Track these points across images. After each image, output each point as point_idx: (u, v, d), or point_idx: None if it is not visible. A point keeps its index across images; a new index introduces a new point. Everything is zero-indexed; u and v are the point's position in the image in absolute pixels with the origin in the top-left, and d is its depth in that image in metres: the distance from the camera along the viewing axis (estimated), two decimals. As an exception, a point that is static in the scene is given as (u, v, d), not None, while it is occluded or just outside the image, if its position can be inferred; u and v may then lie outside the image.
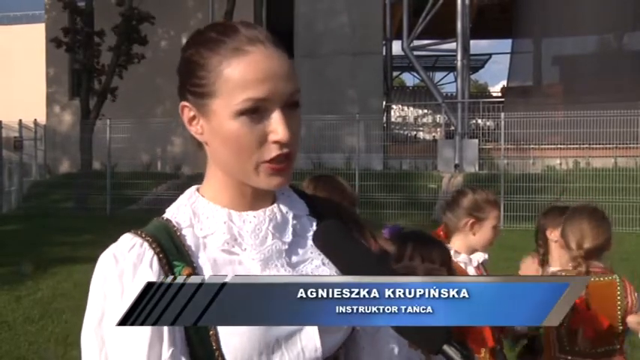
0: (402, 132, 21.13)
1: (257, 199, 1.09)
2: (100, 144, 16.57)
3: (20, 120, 18.58)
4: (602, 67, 18.20)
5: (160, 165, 19.22)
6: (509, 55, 23.99)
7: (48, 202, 16.62)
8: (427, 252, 1.67)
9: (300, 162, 16.89)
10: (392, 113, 21.75)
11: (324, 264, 1.08)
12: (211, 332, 0.97)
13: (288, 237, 1.09)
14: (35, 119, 20.25)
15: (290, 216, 1.11)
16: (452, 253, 2.38)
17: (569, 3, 18.01)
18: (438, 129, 20.76)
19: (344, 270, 1.00)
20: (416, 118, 22.98)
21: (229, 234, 1.05)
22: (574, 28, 18.83)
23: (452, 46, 19.08)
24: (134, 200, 15.69)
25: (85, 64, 16.76)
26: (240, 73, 0.99)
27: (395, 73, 27.88)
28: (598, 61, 18.67)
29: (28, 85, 25.40)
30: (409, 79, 52.63)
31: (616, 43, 19.83)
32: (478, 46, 64.56)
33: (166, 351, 0.95)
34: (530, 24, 20.20)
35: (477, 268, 2.54)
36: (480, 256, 2.55)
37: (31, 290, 7.29)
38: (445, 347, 0.87)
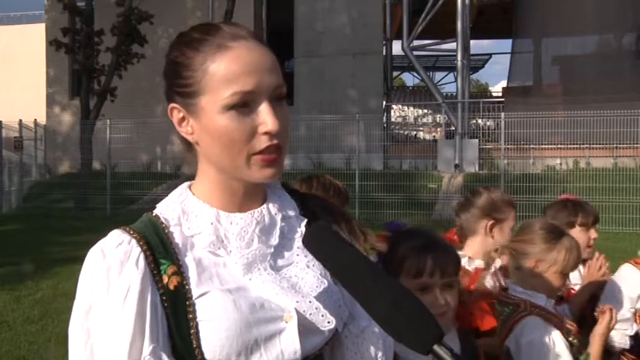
0: (402, 132, 21.12)
1: (248, 198, 1.10)
2: (100, 144, 16.57)
3: (20, 120, 18.57)
4: (602, 67, 18.19)
5: (160, 165, 19.22)
6: (509, 55, 23.99)
7: (48, 202, 16.61)
8: (445, 265, 1.59)
9: (300, 162, 16.88)
10: (392, 113, 21.74)
11: (308, 267, 1.09)
12: (192, 330, 0.99)
13: (275, 240, 1.09)
14: (35, 119, 20.26)
15: (279, 218, 1.12)
16: (465, 260, 2.27)
17: (569, 3, 18.00)
18: (438, 129, 20.75)
19: (336, 274, 1.00)
20: (416, 118, 22.96)
21: (215, 235, 1.06)
22: (574, 28, 18.83)
23: (452, 46, 19.07)
24: (134, 200, 15.67)
25: (85, 65, 16.75)
26: (226, 67, 1.00)
27: (395, 73, 27.87)
28: (598, 61, 18.66)
29: (28, 85, 25.41)
30: (409, 79, 52.71)
31: (616, 43, 19.81)
32: (478, 46, 64.66)
33: (147, 347, 0.97)
34: (530, 24, 20.19)
35: (494, 274, 2.35)
36: (497, 262, 2.38)
37: (31, 290, 7.28)
38: (435, 347, 0.87)
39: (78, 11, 17.22)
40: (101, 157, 16.96)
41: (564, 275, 2.07)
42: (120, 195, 15.99)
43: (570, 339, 1.99)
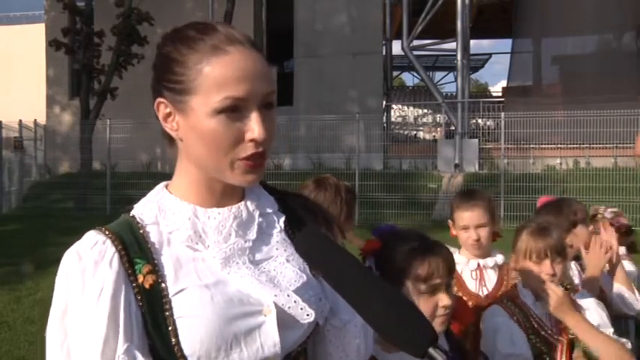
0: (402, 132, 21.12)
1: (225, 196, 1.10)
2: (100, 144, 16.57)
3: (20, 120, 18.56)
4: (602, 67, 18.18)
5: (160, 165, 19.21)
6: (509, 55, 24.00)
7: (48, 202, 16.60)
8: (451, 264, 1.61)
9: (300, 162, 16.90)
10: (392, 113, 21.74)
11: (288, 261, 1.10)
12: (170, 327, 0.99)
13: (253, 234, 1.10)
14: (35, 119, 20.23)
15: (256, 214, 1.12)
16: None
17: (569, 3, 17.99)
18: (438, 129, 20.75)
19: (329, 279, 1.00)
20: (416, 118, 22.97)
21: (193, 230, 1.07)
22: (574, 28, 18.82)
23: (452, 46, 19.07)
24: (134, 200, 15.58)
25: (85, 65, 16.75)
26: (220, 71, 1.01)
27: (395, 73, 27.87)
28: (598, 61, 18.65)
29: (28, 85, 25.39)
30: (409, 79, 52.70)
31: (616, 43, 19.80)
32: (478, 46, 64.67)
33: (121, 346, 0.97)
34: (530, 24, 20.18)
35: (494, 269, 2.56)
36: (499, 259, 2.56)
37: (31, 290, 7.29)
38: (430, 350, 0.87)
39: (78, 11, 17.22)
40: (101, 157, 16.96)
41: (538, 262, 2.10)
42: (120, 195, 15.97)
43: (532, 337, 2.05)
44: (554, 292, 2.01)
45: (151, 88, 1.10)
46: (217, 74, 1.01)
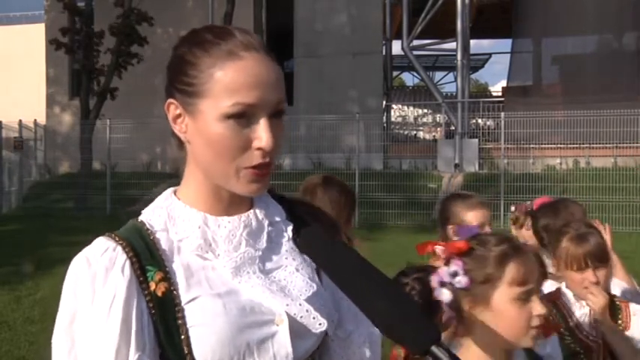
0: (402, 132, 21.12)
1: (234, 203, 1.09)
2: (100, 144, 16.58)
3: (20, 120, 18.58)
4: (602, 67, 18.19)
5: (160, 165, 19.22)
6: (509, 55, 24.00)
7: (48, 202, 16.61)
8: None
9: (300, 162, 16.90)
10: (392, 113, 21.75)
11: (297, 270, 1.09)
12: (183, 336, 0.97)
13: (262, 243, 1.09)
14: (35, 119, 20.25)
15: (266, 223, 1.11)
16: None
17: (569, 3, 18.00)
18: (438, 129, 20.76)
19: (334, 278, 1.00)
20: (416, 118, 22.98)
21: (203, 239, 1.05)
22: (574, 28, 18.82)
23: (452, 45, 19.08)
24: (134, 200, 15.68)
25: (85, 65, 16.75)
26: (232, 76, 1.00)
27: (395, 73, 27.87)
28: (598, 61, 18.66)
29: (28, 85, 25.38)
30: (409, 79, 52.67)
31: (616, 43, 19.81)
32: (478, 45, 64.62)
33: (133, 355, 0.95)
34: (530, 24, 20.19)
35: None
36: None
37: (31, 290, 7.29)
38: (433, 348, 0.87)
39: (78, 11, 17.24)
40: (101, 157, 16.97)
41: (579, 271, 2.07)
42: (120, 195, 15.99)
43: (567, 337, 2.04)
44: (601, 295, 2.00)
45: (164, 89, 1.09)
46: (229, 79, 1.00)
